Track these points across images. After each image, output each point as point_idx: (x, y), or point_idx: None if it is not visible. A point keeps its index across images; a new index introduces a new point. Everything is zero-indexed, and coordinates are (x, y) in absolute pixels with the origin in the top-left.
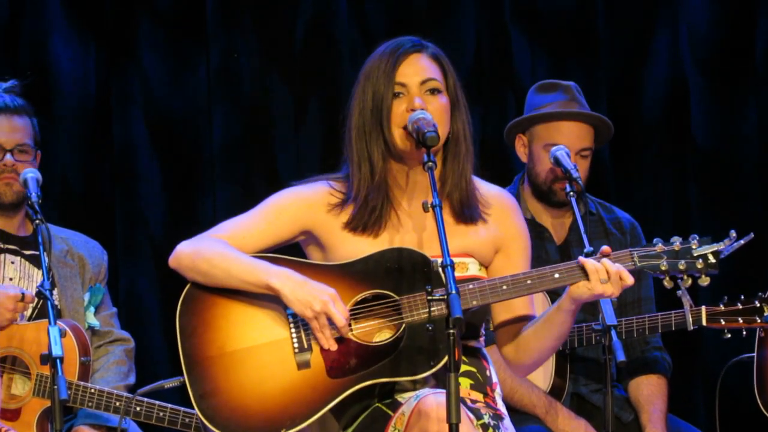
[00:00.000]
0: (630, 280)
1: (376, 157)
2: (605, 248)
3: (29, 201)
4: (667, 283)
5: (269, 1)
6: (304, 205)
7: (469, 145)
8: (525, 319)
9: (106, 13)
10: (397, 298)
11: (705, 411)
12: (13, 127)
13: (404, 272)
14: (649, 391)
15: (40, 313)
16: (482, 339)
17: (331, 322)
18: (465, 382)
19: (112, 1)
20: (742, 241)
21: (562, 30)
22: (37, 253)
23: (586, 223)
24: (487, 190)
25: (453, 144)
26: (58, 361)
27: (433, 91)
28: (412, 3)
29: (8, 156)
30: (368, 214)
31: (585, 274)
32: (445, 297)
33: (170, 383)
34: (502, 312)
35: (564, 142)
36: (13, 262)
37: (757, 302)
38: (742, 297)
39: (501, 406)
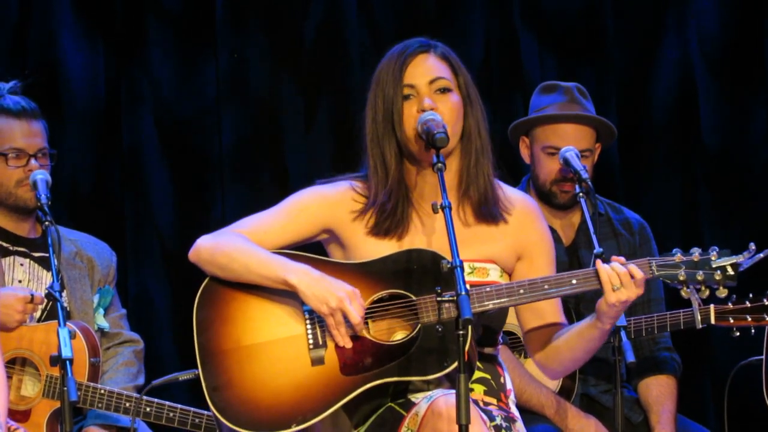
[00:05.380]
0: (640, 274)
1: (389, 160)
2: (614, 258)
3: (39, 203)
4: (685, 294)
5: (278, 2)
6: (327, 204)
7: (485, 141)
8: (554, 326)
9: (115, 13)
10: (414, 298)
11: (714, 411)
12: (33, 132)
13: (422, 273)
14: (658, 392)
15: (50, 315)
16: (499, 347)
17: (346, 319)
18: (479, 389)
19: (121, 2)
20: (761, 255)
21: (570, 31)
22: (47, 255)
23: (595, 223)
24: (509, 193)
25: (466, 141)
26: (67, 362)
27: (443, 91)
28: (421, 4)
29: (33, 161)
30: (388, 218)
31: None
32: (455, 298)
33: (185, 375)
34: (532, 319)
35: (561, 144)
36: (22, 264)
37: (765, 300)
38: (751, 295)
39: (514, 410)
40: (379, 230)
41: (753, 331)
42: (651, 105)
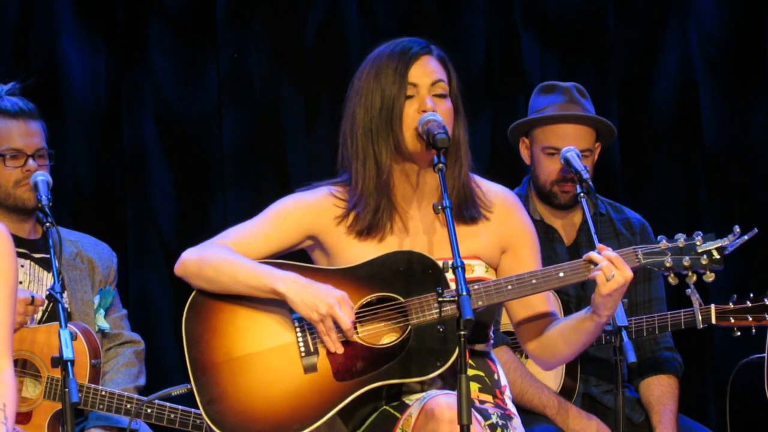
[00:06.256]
0: (620, 260)
1: (383, 157)
2: (599, 246)
3: (40, 204)
4: (672, 280)
5: (279, 2)
6: (308, 211)
7: (467, 151)
8: (545, 316)
9: (116, 15)
10: (403, 300)
11: (716, 411)
12: (31, 132)
13: (409, 274)
14: (659, 392)
15: (51, 316)
16: (491, 342)
17: (337, 324)
18: (473, 386)
19: (122, 3)
20: (746, 237)
21: (571, 30)
22: (47, 256)
23: (596, 223)
24: (488, 189)
25: (453, 149)
26: (69, 363)
27: (441, 95)
28: (422, 4)
29: (31, 161)
30: (371, 214)
31: (591, 268)
32: (456, 298)
33: (177, 390)
34: (521, 310)
35: (561, 145)
36: (23, 266)
37: (766, 300)
38: (752, 295)
39: (511, 407)
40: (362, 229)
41: (754, 330)
42: (652, 105)
